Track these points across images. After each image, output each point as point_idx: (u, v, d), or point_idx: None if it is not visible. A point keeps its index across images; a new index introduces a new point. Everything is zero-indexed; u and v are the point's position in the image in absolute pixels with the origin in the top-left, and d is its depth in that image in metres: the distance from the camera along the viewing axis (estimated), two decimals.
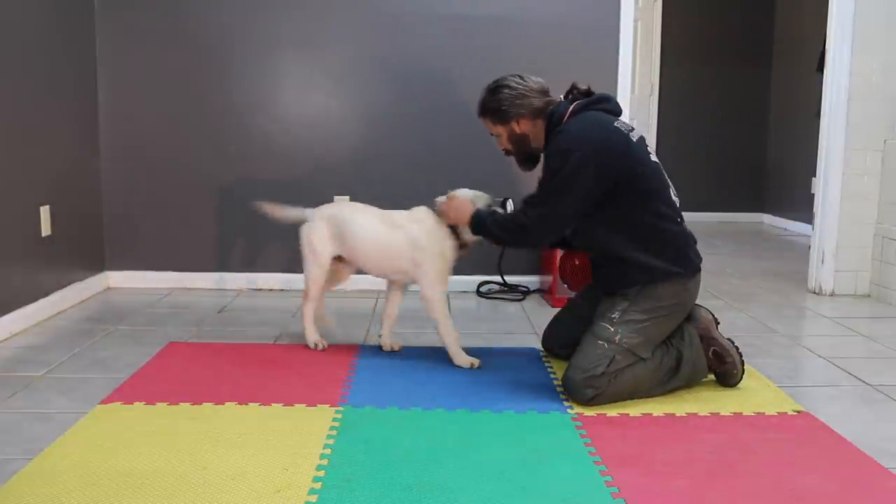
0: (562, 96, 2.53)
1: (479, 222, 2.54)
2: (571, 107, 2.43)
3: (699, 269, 2.45)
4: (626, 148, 2.34)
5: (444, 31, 3.77)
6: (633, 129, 2.42)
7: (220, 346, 2.88)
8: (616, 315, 2.35)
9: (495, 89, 2.53)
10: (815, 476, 1.89)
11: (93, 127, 3.71)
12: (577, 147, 2.30)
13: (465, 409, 2.28)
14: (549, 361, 2.74)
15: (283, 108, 3.81)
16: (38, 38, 3.19)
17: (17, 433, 2.07)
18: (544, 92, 2.52)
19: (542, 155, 2.57)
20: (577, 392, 2.32)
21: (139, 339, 2.94)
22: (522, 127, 2.53)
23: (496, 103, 2.52)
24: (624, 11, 3.76)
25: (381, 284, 3.87)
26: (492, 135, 2.63)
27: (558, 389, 2.44)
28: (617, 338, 2.32)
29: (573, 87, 2.53)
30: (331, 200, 3.84)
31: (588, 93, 2.49)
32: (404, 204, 3.86)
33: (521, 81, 2.52)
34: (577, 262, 3.51)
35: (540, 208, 2.38)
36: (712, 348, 2.47)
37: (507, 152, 2.64)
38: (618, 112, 2.47)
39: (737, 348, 2.50)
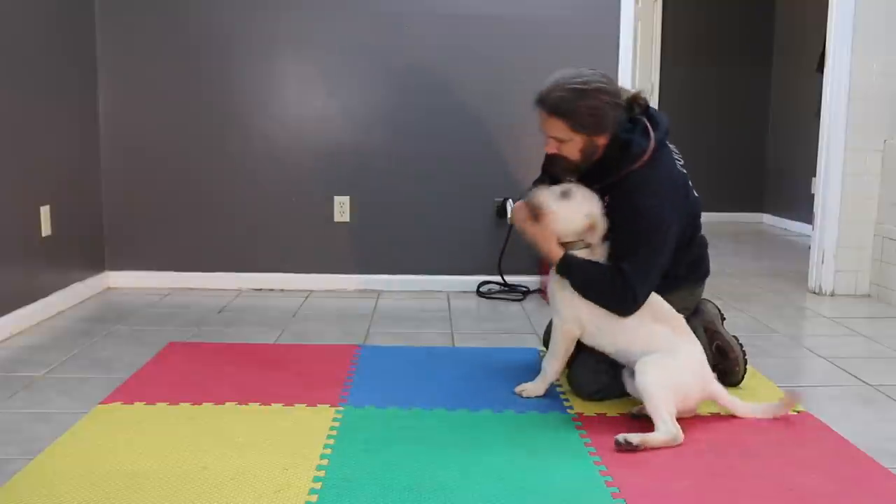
0: (623, 102, 2.22)
1: (568, 270, 2.22)
2: (652, 143, 2.18)
3: (708, 274, 2.47)
4: (689, 193, 2.30)
5: (444, 31, 3.77)
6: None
7: (220, 346, 2.88)
8: None
9: (589, 92, 2.14)
10: (816, 476, 1.89)
11: (93, 127, 3.71)
12: (671, 205, 2.19)
13: (465, 409, 2.28)
14: None
15: (283, 108, 3.80)
16: (38, 38, 3.19)
17: (17, 433, 2.07)
18: (621, 98, 2.22)
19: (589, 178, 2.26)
20: (583, 386, 2.33)
21: (139, 339, 2.94)
22: (602, 141, 2.21)
23: (590, 111, 2.14)
24: (624, 11, 3.76)
25: (380, 284, 3.89)
26: (551, 136, 2.23)
27: (558, 389, 2.44)
28: None
29: (637, 101, 2.24)
30: (331, 200, 3.86)
31: (645, 107, 2.26)
32: (404, 204, 3.89)
33: (615, 88, 2.20)
34: None
35: (645, 271, 2.16)
36: (716, 343, 2.46)
37: (556, 158, 2.26)
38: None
39: (741, 345, 2.50)
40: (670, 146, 2.30)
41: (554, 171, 2.34)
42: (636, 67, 4.03)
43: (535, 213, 2.22)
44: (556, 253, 2.23)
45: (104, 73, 3.73)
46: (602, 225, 2.21)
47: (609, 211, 2.22)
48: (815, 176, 4.03)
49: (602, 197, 2.24)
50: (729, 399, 2.19)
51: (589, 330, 2.26)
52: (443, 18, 3.76)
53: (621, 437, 2.02)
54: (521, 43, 3.77)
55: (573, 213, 2.20)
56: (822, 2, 4.17)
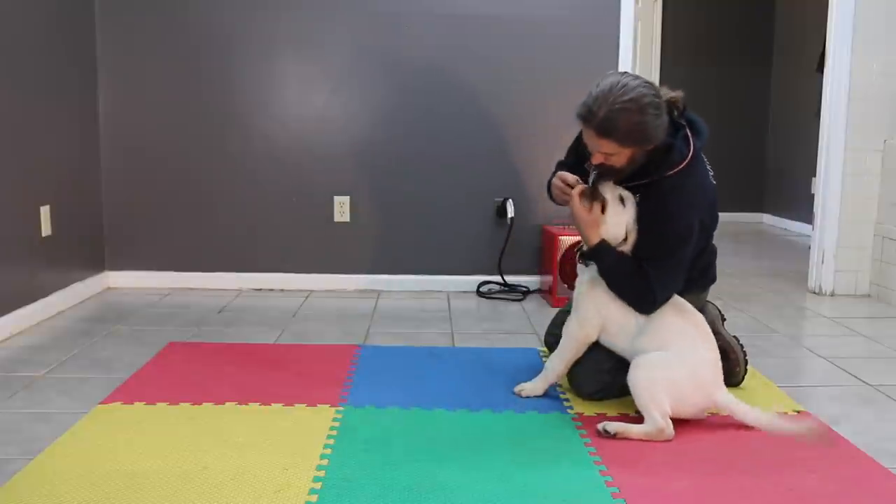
0: (665, 106, 2.17)
1: (599, 256, 2.23)
2: (692, 150, 2.19)
3: (714, 281, 2.48)
4: (715, 205, 2.31)
5: (444, 31, 3.77)
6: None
7: (220, 346, 2.88)
8: None
9: (638, 109, 2.08)
10: (815, 476, 1.89)
11: (93, 127, 3.71)
12: (699, 215, 2.21)
13: (465, 409, 2.28)
14: None
15: (283, 108, 3.81)
16: (38, 38, 3.19)
17: (17, 433, 2.07)
18: (665, 103, 2.18)
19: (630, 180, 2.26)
20: (583, 385, 2.33)
21: (139, 339, 2.94)
22: (649, 149, 2.18)
23: (639, 126, 2.10)
24: (624, 11, 3.76)
25: (380, 284, 3.89)
26: (600, 151, 2.18)
27: (558, 389, 2.44)
28: None
29: (675, 104, 2.21)
30: (331, 200, 3.86)
31: (682, 110, 2.25)
32: (404, 204, 3.89)
33: (658, 95, 2.14)
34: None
35: (668, 276, 2.19)
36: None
37: (602, 166, 2.22)
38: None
39: (741, 346, 2.50)
40: (703, 156, 2.29)
41: (582, 152, 2.34)
42: (636, 67, 4.03)
43: (602, 204, 2.22)
44: (596, 238, 2.23)
45: (104, 73, 3.73)
46: (634, 236, 2.24)
47: (640, 212, 2.24)
48: (815, 176, 4.04)
49: (633, 194, 2.25)
50: (741, 410, 2.10)
51: (611, 330, 2.25)
52: (442, 18, 3.76)
53: (601, 425, 2.07)
54: (521, 43, 3.77)
55: (621, 220, 2.23)
56: (822, 2, 4.17)
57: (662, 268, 2.18)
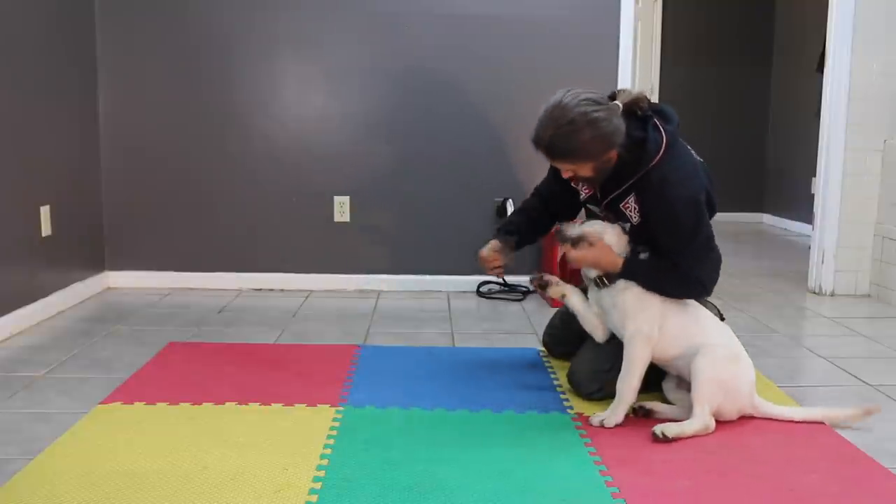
0: (620, 105, 2.19)
1: (633, 273, 2.25)
2: (665, 136, 2.20)
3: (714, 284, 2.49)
4: (709, 176, 2.33)
5: (444, 32, 3.77)
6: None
7: (220, 346, 2.88)
8: None
9: (581, 128, 2.10)
10: (816, 476, 1.89)
11: (93, 127, 3.71)
12: (698, 193, 2.22)
13: (465, 409, 2.28)
14: (549, 361, 2.74)
15: (282, 108, 3.80)
16: (38, 38, 3.19)
17: (17, 433, 2.07)
18: (619, 113, 2.17)
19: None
20: (582, 384, 2.33)
21: (139, 339, 2.94)
22: (612, 155, 2.20)
23: (589, 142, 2.12)
24: (624, 11, 3.75)
25: (380, 284, 3.89)
26: (563, 168, 2.26)
27: (558, 389, 2.44)
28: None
29: (637, 104, 2.22)
30: (331, 200, 3.86)
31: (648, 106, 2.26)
32: (404, 204, 3.89)
33: (604, 105, 2.14)
34: None
35: (699, 256, 2.23)
36: None
37: (574, 179, 2.29)
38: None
39: None
40: (680, 140, 2.30)
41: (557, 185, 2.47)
42: (636, 67, 4.02)
43: (590, 242, 2.28)
44: (619, 261, 2.26)
45: (104, 73, 3.73)
46: (625, 242, 2.29)
47: (642, 210, 2.26)
48: (815, 176, 4.03)
49: (624, 197, 2.27)
50: (778, 410, 2.22)
51: (663, 343, 2.23)
52: (442, 18, 3.76)
53: (658, 429, 2.07)
54: (521, 43, 3.77)
55: (615, 232, 2.29)
56: (822, 2, 4.17)
57: (693, 254, 2.21)
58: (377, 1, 3.75)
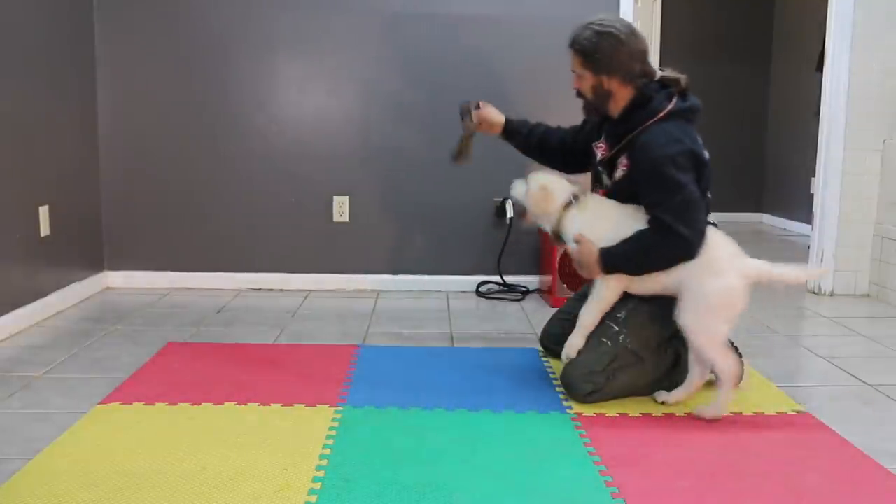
0: (658, 74, 2.38)
1: (615, 265, 2.31)
2: (671, 105, 2.30)
3: None
4: (706, 161, 2.35)
5: (443, 31, 3.76)
6: None
7: (220, 346, 2.88)
8: (622, 315, 2.36)
9: (602, 33, 2.33)
10: (815, 476, 1.89)
11: (92, 127, 3.70)
12: (678, 155, 2.24)
13: (464, 409, 2.27)
14: (548, 361, 2.73)
15: (282, 108, 3.80)
16: (37, 38, 3.19)
17: (15, 433, 2.07)
18: (645, 58, 2.36)
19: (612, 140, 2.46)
20: (575, 387, 2.32)
21: (138, 339, 2.94)
22: (611, 85, 2.37)
23: (595, 48, 2.34)
24: (623, 11, 3.76)
25: (379, 284, 3.89)
26: (572, 70, 2.44)
27: (558, 389, 2.43)
28: (620, 338, 2.33)
29: (674, 82, 2.35)
30: (330, 200, 3.86)
31: (683, 92, 2.37)
32: (404, 204, 3.88)
33: (632, 37, 2.34)
34: None
35: (683, 207, 2.21)
36: None
37: (580, 94, 2.47)
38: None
39: (737, 349, 2.50)
40: (689, 125, 2.35)
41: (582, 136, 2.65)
42: None
43: (575, 240, 2.39)
44: (597, 263, 2.31)
45: (103, 73, 3.72)
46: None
47: (632, 172, 2.35)
48: (814, 176, 4.03)
49: (620, 154, 2.40)
50: (777, 271, 2.26)
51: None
52: (441, 18, 3.76)
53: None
54: (521, 43, 3.77)
55: (550, 189, 2.44)
56: (821, 1, 4.17)
57: (674, 208, 2.21)
58: (377, 1, 3.75)
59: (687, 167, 2.24)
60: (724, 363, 2.18)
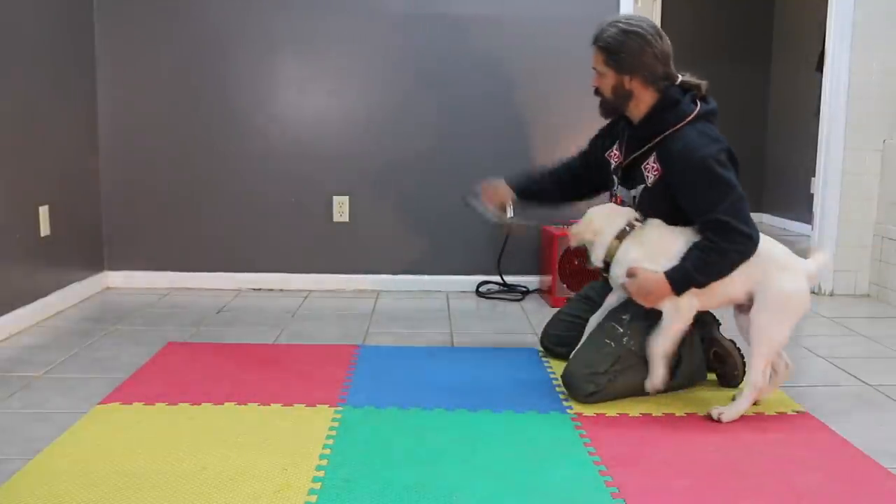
0: (679, 79, 2.37)
1: (686, 281, 2.21)
2: (698, 109, 2.31)
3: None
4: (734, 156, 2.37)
5: (444, 31, 3.76)
6: None
7: (220, 346, 2.87)
8: (627, 316, 2.36)
9: (628, 32, 2.30)
10: (816, 476, 1.89)
11: (92, 127, 3.70)
12: (720, 153, 2.26)
13: (464, 409, 2.27)
14: (548, 361, 2.73)
15: (282, 108, 3.80)
16: (37, 38, 3.19)
17: (15, 433, 2.07)
18: (669, 60, 2.35)
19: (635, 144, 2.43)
20: (577, 387, 2.32)
21: (138, 339, 2.94)
22: (633, 86, 2.35)
23: (620, 46, 2.30)
24: (623, 11, 3.75)
25: (379, 284, 3.89)
26: (593, 68, 2.40)
27: (558, 389, 2.43)
28: (624, 339, 2.33)
29: (696, 87, 2.36)
30: (330, 200, 3.86)
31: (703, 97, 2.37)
32: (404, 204, 3.88)
33: (658, 39, 2.32)
34: (576, 263, 3.52)
35: (737, 206, 2.20)
36: (713, 349, 2.47)
37: (598, 93, 2.43)
38: None
39: (738, 349, 2.50)
40: (712, 124, 2.36)
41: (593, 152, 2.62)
42: None
43: (629, 273, 2.30)
44: (667, 287, 2.21)
45: (103, 73, 3.72)
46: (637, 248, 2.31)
47: (666, 177, 2.32)
48: (814, 176, 4.03)
49: (647, 157, 2.36)
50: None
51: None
52: (442, 18, 3.76)
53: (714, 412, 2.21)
54: (521, 43, 3.77)
55: (602, 220, 2.36)
56: (821, 1, 4.17)
57: (731, 208, 2.19)
58: (377, 1, 3.75)
59: (729, 165, 2.26)
60: (760, 374, 2.18)
